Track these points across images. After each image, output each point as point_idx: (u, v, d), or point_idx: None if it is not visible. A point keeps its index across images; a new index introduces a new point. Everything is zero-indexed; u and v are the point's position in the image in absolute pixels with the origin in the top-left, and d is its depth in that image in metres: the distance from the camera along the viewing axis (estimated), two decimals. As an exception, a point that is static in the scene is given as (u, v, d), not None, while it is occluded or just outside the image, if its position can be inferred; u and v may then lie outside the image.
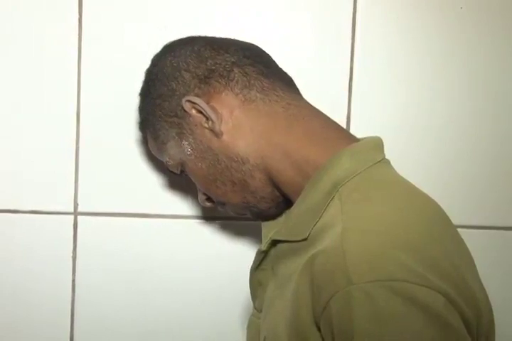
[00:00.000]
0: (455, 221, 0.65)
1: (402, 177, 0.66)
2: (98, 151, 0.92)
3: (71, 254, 0.93)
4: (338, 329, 0.50)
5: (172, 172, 0.77)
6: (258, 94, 0.68)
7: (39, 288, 0.94)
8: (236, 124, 0.68)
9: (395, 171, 0.68)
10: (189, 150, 0.72)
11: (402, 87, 0.95)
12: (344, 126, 0.92)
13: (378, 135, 0.69)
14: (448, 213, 0.64)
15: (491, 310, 0.59)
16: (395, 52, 0.95)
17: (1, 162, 0.91)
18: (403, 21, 0.94)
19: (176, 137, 0.72)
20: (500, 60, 0.96)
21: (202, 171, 0.72)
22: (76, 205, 0.92)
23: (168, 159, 0.75)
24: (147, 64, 0.78)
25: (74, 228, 0.93)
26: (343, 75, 0.94)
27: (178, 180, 0.93)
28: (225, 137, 0.68)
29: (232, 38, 0.77)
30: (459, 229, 0.64)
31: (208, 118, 0.69)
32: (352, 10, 0.93)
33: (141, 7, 0.90)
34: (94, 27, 0.90)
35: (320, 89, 0.91)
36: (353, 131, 0.86)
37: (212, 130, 0.69)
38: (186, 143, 0.71)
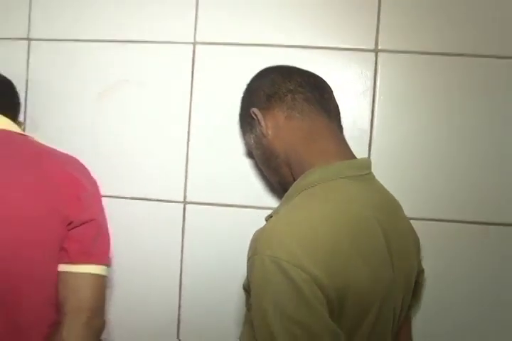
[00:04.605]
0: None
1: (350, 192, 0.85)
2: (204, 154, 1.19)
3: (180, 235, 1.20)
4: (249, 279, 0.79)
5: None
6: (297, 115, 0.93)
7: (155, 261, 1.21)
8: (278, 131, 0.94)
9: (353, 185, 0.86)
10: (252, 142, 1.00)
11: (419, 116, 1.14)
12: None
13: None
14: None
15: (372, 291, 0.80)
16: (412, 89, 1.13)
17: (138, 162, 1.21)
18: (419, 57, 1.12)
19: (249, 131, 1.01)
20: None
21: (258, 157, 1.01)
22: (185, 195, 1.20)
23: (245, 144, 1.09)
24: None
25: (183, 214, 1.20)
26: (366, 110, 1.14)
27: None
28: (269, 138, 0.94)
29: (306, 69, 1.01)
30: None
31: (260, 124, 0.95)
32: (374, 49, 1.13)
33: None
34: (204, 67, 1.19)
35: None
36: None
37: (261, 132, 0.95)
38: (253, 136, 0.99)
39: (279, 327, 0.74)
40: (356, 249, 0.80)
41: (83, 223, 0.97)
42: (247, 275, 0.82)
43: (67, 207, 0.95)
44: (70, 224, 0.95)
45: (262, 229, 0.81)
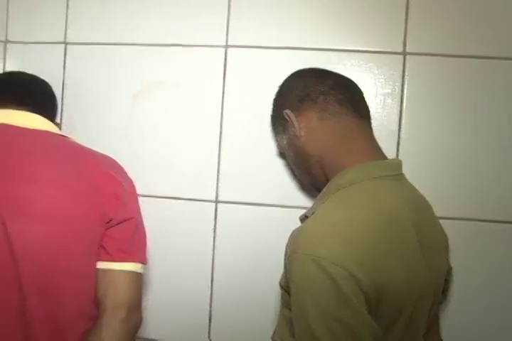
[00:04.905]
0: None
1: (384, 192, 0.88)
2: (235, 154, 1.22)
3: (212, 233, 1.23)
4: (289, 278, 0.82)
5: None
6: (329, 116, 0.95)
7: (186, 259, 1.24)
8: (311, 132, 0.96)
9: (387, 185, 0.89)
10: (285, 143, 1.02)
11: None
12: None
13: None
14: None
15: (409, 289, 0.83)
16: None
17: (171, 162, 1.24)
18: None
19: (281, 132, 1.03)
20: None
21: (291, 158, 1.03)
22: (217, 195, 1.23)
23: (277, 145, 1.12)
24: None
25: (215, 213, 1.23)
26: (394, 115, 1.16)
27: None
28: (302, 139, 0.96)
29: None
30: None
31: (293, 126, 0.97)
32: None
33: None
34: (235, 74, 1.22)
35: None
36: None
37: (294, 133, 0.97)
38: (285, 137, 1.02)
39: (318, 324, 0.76)
40: (392, 248, 0.82)
41: (121, 221, 0.99)
42: (285, 274, 0.84)
43: (106, 206, 0.97)
44: (108, 222, 0.98)
45: (300, 228, 0.84)
